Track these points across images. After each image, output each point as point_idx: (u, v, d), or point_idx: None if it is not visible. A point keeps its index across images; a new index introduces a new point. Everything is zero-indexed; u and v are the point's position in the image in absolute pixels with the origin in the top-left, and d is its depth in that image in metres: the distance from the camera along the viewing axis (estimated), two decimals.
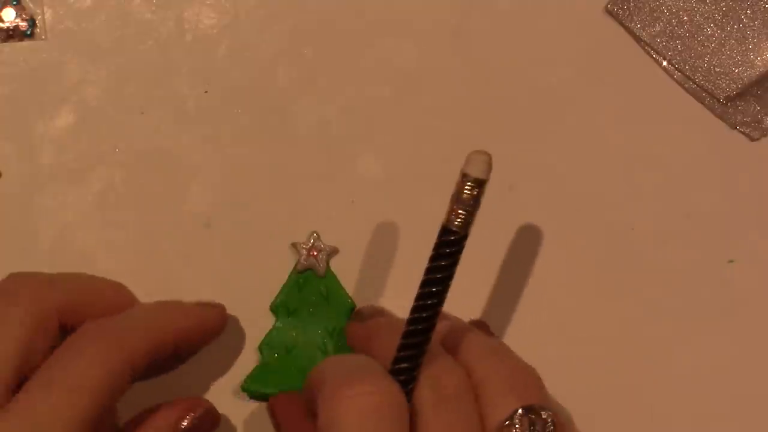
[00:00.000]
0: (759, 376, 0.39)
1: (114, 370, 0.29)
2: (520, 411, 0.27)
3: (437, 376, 0.28)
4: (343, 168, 0.40)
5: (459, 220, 0.27)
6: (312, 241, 0.32)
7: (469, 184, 0.27)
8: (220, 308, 0.35)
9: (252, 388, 0.33)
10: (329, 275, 0.32)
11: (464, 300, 0.38)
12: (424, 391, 0.28)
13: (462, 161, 0.40)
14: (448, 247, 0.27)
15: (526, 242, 0.39)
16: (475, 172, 0.27)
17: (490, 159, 0.27)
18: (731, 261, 0.40)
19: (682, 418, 0.39)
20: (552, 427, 0.26)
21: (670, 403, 0.39)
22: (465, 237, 0.27)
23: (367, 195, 0.39)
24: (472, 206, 0.27)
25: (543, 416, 0.26)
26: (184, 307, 0.34)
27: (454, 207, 0.27)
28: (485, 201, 0.40)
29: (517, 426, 0.26)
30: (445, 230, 0.27)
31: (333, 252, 0.33)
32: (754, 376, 0.39)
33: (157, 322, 0.32)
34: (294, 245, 0.32)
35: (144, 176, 0.39)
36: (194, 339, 0.33)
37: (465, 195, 0.27)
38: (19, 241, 0.38)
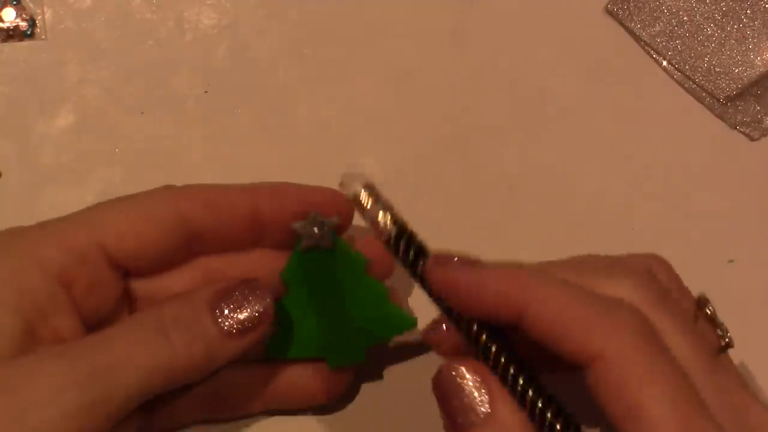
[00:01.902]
0: (759, 376, 0.39)
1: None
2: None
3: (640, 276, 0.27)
4: (343, 168, 0.39)
5: (384, 224, 0.28)
6: (311, 221, 0.32)
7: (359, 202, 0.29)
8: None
9: (278, 353, 0.33)
10: (337, 243, 0.32)
11: None
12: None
13: (461, 161, 0.40)
14: (403, 246, 0.28)
15: (526, 242, 0.39)
16: (350, 189, 0.29)
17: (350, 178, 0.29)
18: (731, 261, 0.40)
19: None
20: (714, 312, 0.28)
21: None
22: (401, 233, 0.28)
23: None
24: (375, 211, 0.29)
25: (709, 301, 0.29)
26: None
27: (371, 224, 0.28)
28: (485, 200, 0.40)
29: (712, 313, 0.28)
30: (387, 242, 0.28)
31: (334, 225, 0.32)
32: (753, 375, 0.39)
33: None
34: (294, 227, 0.31)
35: (144, 176, 0.39)
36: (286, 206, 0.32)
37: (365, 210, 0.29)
38: None
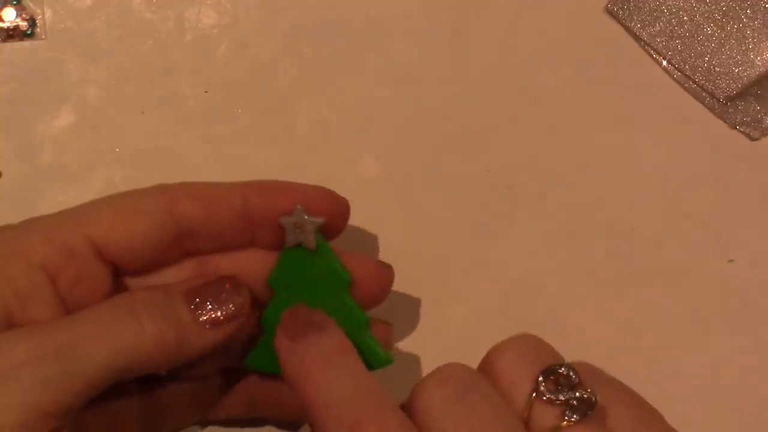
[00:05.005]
0: (759, 376, 0.39)
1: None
2: (540, 378, 0.26)
3: (441, 371, 0.26)
4: (343, 168, 0.40)
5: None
6: (295, 216, 0.31)
7: None
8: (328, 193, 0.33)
9: (255, 364, 0.33)
10: (321, 249, 0.31)
11: (463, 300, 0.38)
12: (430, 385, 0.26)
13: (461, 161, 0.40)
14: None
15: (525, 242, 0.39)
16: None
17: None
18: (731, 261, 0.40)
19: (682, 418, 0.39)
20: (576, 378, 0.26)
21: (669, 404, 0.39)
22: None
23: (367, 195, 0.39)
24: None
25: (563, 372, 0.26)
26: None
27: None
28: (485, 199, 0.40)
29: (544, 393, 0.25)
30: None
31: (319, 224, 0.31)
32: (754, 376, 0.39)
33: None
34: (281, 222, 0.31)
35: (144, 176, 0.39)
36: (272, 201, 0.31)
37: None
38: None
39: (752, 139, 0.41)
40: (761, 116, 0.41)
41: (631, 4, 0.42)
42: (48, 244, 0.29)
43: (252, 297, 0.30)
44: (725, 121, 0.41)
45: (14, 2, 0.40)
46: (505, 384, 0.26)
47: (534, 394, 0.26)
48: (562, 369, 0.26)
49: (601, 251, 0.40)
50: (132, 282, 0.31)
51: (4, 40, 0.40)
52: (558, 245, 0.39)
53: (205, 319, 0.29)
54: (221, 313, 0.29)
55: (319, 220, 0.31)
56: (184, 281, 0.30)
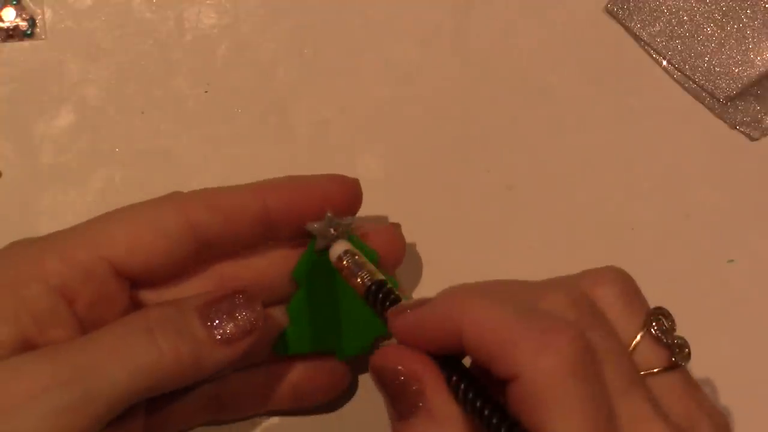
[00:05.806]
0: (759, 376, 0.39)
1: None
2: (650, 317, 0.27)
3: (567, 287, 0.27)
4: (343, 168, 0.39)
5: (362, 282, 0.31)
6: (327, 223, 0.32)
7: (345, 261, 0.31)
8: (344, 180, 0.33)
9: (285, 350, 0.33)
10: (351, 242, 0.32)
11: None
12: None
13: (460, 161, 0.40)
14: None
15: (525, 242, 0.39)
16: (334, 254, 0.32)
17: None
18: (731, 261, 0.40)
19: None
20: (673, 325, 0.28)
21: None
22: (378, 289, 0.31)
23: (367, 195, 0.39)
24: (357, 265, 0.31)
25: (666, 314, 0.28)
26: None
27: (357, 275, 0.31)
28: (484, 199, 0.40)
29: (655, 332, 0.27)
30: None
31: (350, 225, 0.32)
32: (753, 375, 0.39)
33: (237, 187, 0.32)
34: (309, 229, 0.31)
35: (144, 176, 0.39)
36: (296, 207, 0.31)
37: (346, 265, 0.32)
38: None
39: (752, 139, 0.41)
40: (761, 116, 0.41)
41: (631, 4, 0.42)
42: (66, 265, 0.28)
43: (264, 311, 0.30)
44: (725, 121, 0.41)
45: (14, 2, 0.40)
46: (613, 316, 0.27)
47: (643, 332, 0.27)
48: (664, 312, 0.28)
49: (601, 251, 0.40)
50: (149, 294, 0.31)
51: (4, 40, 0.40)
52: (558, 245, 0.39)
53: (220, 336, 0.29)
54: (236, 328, 0.29)
55: (350, 220, 0.32)
56: (197, 295, 0.30)
